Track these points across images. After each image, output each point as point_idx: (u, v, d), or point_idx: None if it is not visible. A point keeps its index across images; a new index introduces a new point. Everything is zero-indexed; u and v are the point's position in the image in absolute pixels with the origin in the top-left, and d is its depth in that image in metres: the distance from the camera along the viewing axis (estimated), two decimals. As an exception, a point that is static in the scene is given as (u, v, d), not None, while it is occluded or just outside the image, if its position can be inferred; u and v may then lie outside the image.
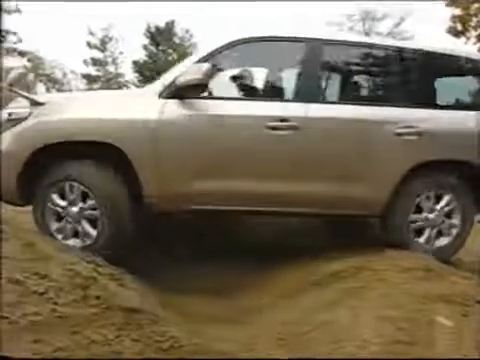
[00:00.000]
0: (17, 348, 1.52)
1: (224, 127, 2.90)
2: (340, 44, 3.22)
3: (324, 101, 3.16)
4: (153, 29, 25.92)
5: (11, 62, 22.91)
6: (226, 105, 2.96)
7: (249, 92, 3.28)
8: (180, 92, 2.82)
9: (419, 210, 3.12)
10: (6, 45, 22.90)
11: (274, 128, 2.89)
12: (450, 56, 3.35)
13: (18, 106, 2.91)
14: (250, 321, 2.39)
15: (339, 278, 2.53)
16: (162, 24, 25.92)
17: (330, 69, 3.32)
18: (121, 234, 2.78)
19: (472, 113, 3.22)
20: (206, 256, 3.21)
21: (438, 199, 3.14)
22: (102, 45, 26.87)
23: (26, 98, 2.87)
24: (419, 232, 3.12)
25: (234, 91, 3.26)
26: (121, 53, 27.04)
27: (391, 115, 3.09)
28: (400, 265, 2.59)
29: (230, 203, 2.95)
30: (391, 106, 3.14)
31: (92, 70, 27.12)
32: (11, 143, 2.77)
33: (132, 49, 34.83)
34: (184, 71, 2.81)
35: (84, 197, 2.77)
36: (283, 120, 2.91)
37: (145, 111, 2.82)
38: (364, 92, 3.45)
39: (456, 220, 3.16)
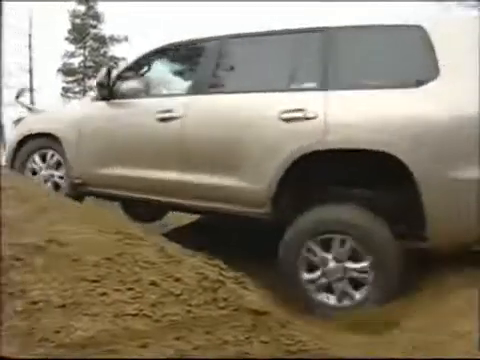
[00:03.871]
0: (160, 344, 1.65)
1: (124, 121, 3.47)
2: (240, 37, 3.22)
3: (209, 92, 3.18)
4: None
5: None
6: (130, 103, 3.48)
7: (152, 91, 3.71)
8: (98, 94, 3.59)
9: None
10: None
11: (162, 119, 3.21)
12: (359, 28, 2.82)
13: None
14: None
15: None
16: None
17: (223, 62, 3.28)
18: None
19: (403, 91, 2.54)
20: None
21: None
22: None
23: (24, 106, 4.71)
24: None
25: (143, 91, 3.68)
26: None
27: (276, 100, 2.81)
28: None
29: (129, 190, 3.43)
30: (280, 91, 2.86)
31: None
32: (12, 134, 4.30)
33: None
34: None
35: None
36: (168, 111, 3.18)
37: (78, 111, 3.81)
38: (252, 80, 3.17)
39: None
